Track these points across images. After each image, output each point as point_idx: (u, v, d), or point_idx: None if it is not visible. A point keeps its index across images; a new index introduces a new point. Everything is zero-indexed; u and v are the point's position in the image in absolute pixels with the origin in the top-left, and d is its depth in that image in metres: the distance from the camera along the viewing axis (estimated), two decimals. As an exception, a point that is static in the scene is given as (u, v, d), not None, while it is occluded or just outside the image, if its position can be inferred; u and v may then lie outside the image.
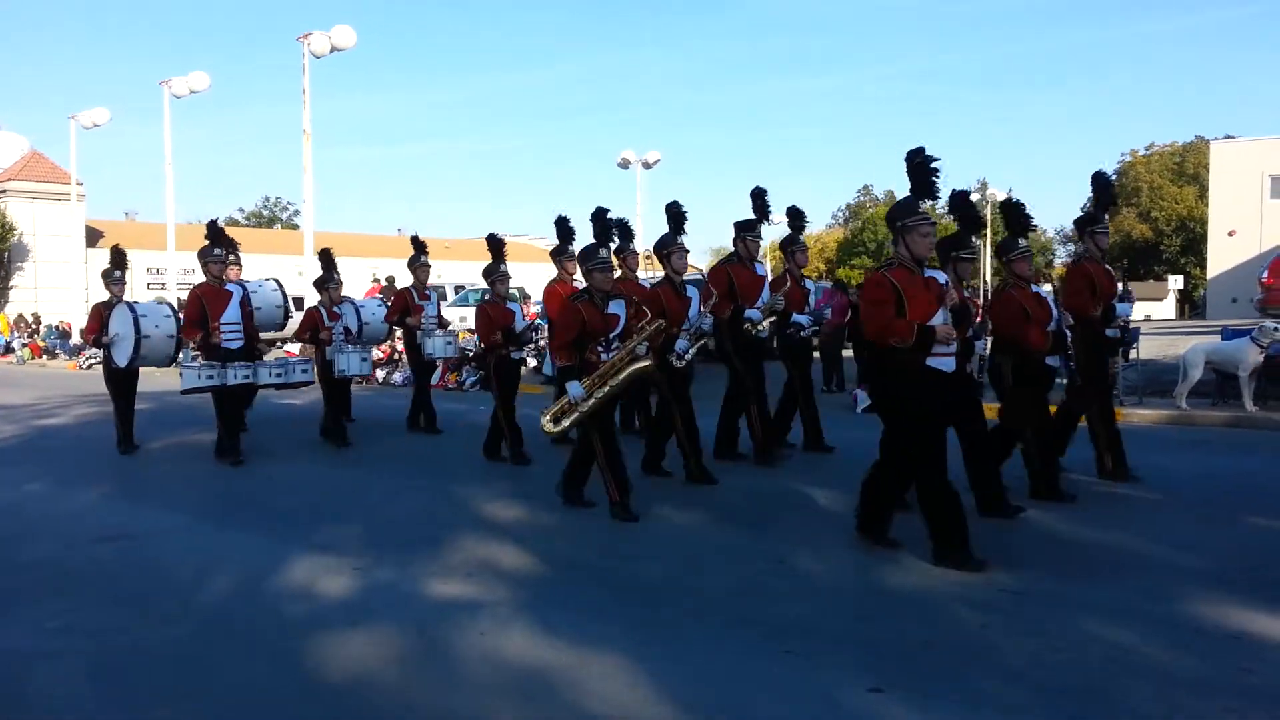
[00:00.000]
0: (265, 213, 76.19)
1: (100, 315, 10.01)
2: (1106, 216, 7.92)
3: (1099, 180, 7.80)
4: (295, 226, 65.56)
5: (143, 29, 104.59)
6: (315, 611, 4.88)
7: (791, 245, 9.00)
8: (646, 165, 36.84)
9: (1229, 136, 39.16)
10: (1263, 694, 3.67)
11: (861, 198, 79.30)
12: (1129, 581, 5.05)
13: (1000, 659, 4.05)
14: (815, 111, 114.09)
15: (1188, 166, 60.02)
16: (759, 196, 8.68)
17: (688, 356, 7.88)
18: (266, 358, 11.07)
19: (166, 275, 32.17)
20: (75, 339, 30.39)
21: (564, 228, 8.79)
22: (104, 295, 10.25)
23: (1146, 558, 5.57)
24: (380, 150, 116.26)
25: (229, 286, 9.27)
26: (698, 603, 4.88)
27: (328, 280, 10.88)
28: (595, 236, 7.17)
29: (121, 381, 10.23)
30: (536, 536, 6.24)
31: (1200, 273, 44.80)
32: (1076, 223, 8.03)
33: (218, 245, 9.28)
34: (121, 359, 9.88)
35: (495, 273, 9.10)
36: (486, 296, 9.60)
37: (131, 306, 9.96)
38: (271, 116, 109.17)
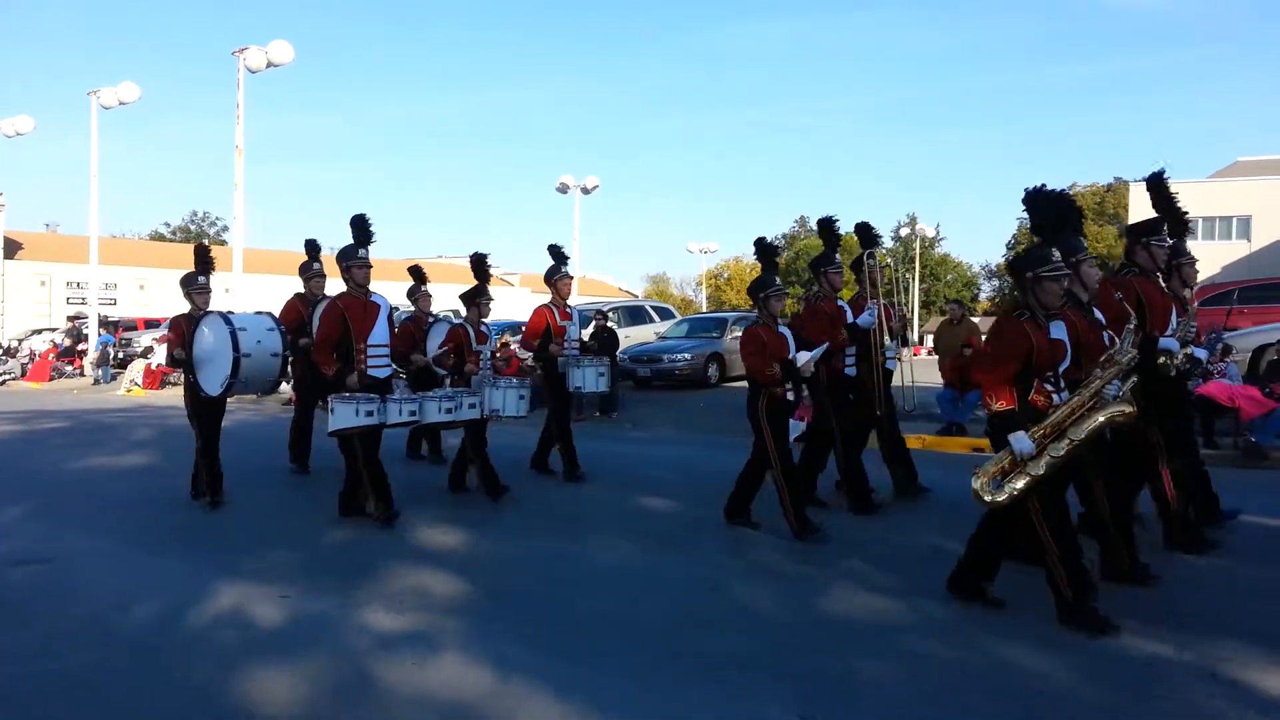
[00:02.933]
0: (193, 228, 74.50)
1: (181, 330, 8.15)
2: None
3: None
4: (223, 242, 64.31)
5: (72, 38, 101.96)
6: (241, 641, 4.77)
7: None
8: (585, 190, 36.97)
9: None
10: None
11: (797, 228, 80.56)
12: (1050, 607, 5.19)
13: (924, 686, 4.14)
14: (753, 143, 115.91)
15: (1108, 207, 62.22)
16: (827, 226, 8.34)
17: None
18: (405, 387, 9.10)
19: (88, 290, 31.17)
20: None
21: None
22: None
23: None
24: (314, 168, 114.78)
25: (374, 297, 7.37)
26: (632, 633, 4.89)
27: (479, 295, 8.79)
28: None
29: (213, 413, 8.19)
30: (473, 565, 6.19)
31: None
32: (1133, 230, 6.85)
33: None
34: (212, 386, 7.92)
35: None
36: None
37: (226, 317, 8.08)
38: (203, 131, 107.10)
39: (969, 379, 13.26)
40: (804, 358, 6.90)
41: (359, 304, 7.26)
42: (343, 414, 7.06)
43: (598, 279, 63.09)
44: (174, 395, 20.98)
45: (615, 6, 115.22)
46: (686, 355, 18.52)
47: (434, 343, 9.26)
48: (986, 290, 73.66)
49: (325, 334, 7.25)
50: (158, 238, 68.25)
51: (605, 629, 4.95)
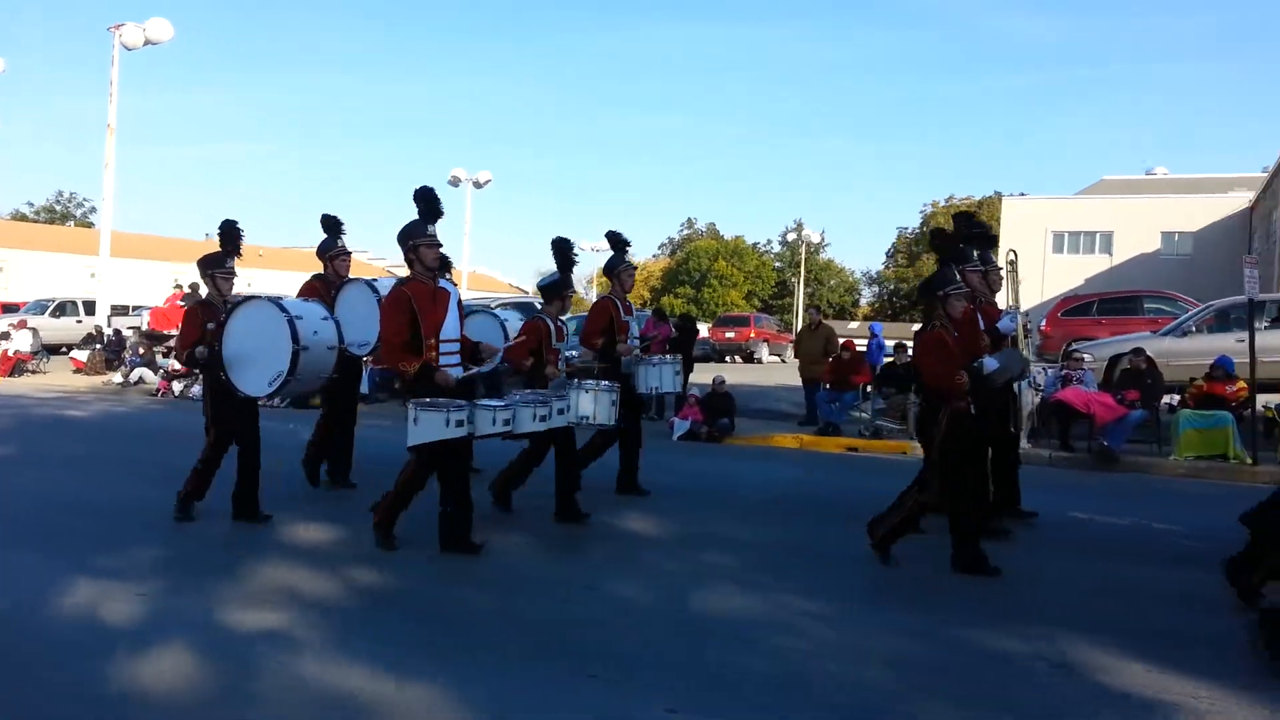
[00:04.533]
0: (58, 208, 70.54)
1: (200, 321, 6.95)
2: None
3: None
4: (90, 224, 61.09)
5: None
6: (95, 640, 4.56)
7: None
8: (478, 185, 36.59)
9: (1021, 194, 42.75)
10: (1022, 709, 4.02)
11: (686, 230, 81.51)
12: (928, 606, 5.42)
13: (800, 681, 4.26)
14: (645, 146, 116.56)
15: (983, 219, 64.99)
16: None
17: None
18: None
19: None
20: None
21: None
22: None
23: (923, 582, 5.98)
24: (191, 150, 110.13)
25: (443, 284, 6.38)
26: (507, 630, 4.88)
27: (565, 286, 7.74)
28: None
29: (248, 416, 7.03)
30: (347, 563, 6.06)
31: (989, 318, 48.26)
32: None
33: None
34: (257, 384, 6.79)
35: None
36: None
37: (281, 304, 7.01)
38: (73, 109, 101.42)
39: (844, 381, 13.73)
40: (991, 365, 6.19)
41: (427, 291, 6.16)
42: (430, 424, 5.92)
43: (487, 274, 62.52)
44: (30, 384, 19.85)
45: (516, 3, 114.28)
46: (574, 352, 18.52)
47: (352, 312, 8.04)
48: (867, 296, 75.95)
49: (396, 327, 6.06)
50: (19, 218, 64.35)
51: (481, 627, 4.92)
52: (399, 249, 6.37)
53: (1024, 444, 12.28)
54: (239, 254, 7.26)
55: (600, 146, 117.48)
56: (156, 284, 35.94)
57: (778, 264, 73.82)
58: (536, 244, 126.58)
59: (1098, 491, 9.84)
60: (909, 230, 69.60)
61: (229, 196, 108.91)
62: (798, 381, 15.03)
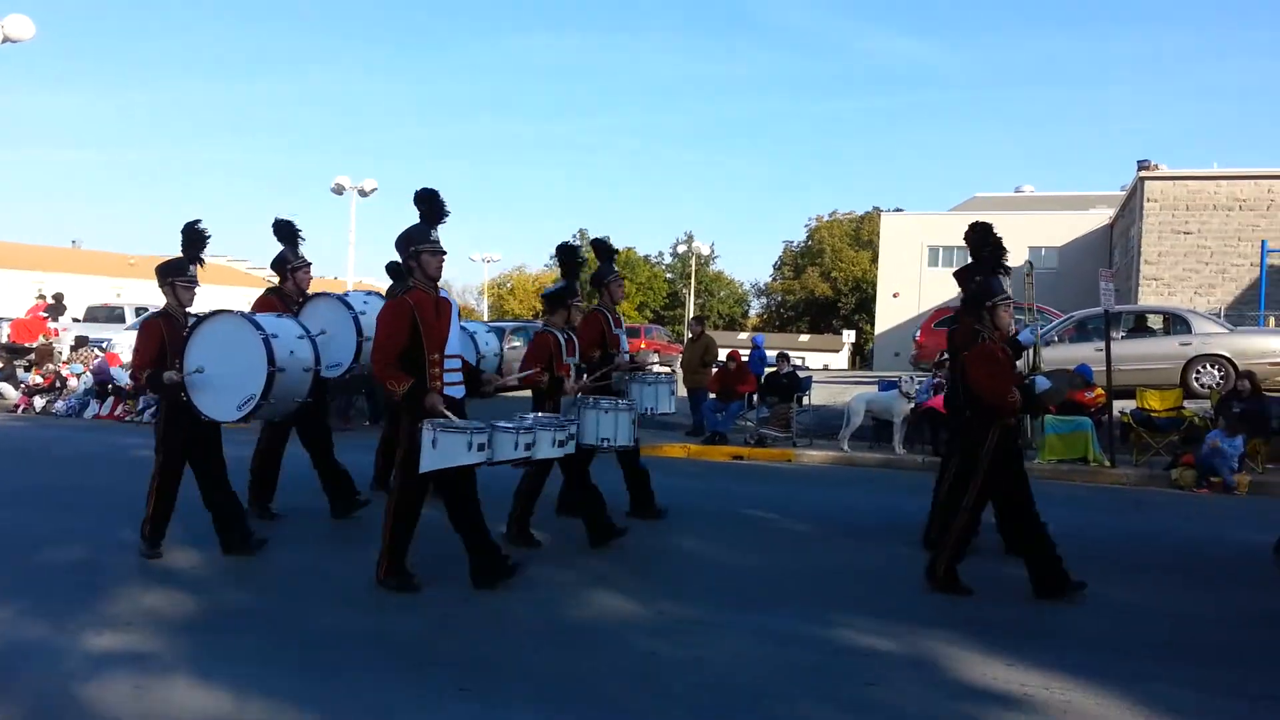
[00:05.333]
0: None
1: (161, 336, 6.25)
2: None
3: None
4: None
5: None
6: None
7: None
8: (363, 193, 35.81)
9: (898, 209, 44.27)
10: (881, 706, 4.17)
11: (577, 240, 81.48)
12: (784, 606, 5.56)
13: (663, 684, 4.32)
14: (533, 154, 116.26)
15: (864, 234, 66.89)
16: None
17: None
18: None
19: None
20: None
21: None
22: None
23: (798, 583, 6.14)
24: (54, 154, 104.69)
25: (444, 294, 5.85)
26: (376, 645, 4.80)
27: (569, 295, 7.10)
28: None
29: (211, 442, 6.42)
30: (207, 583, 5.87)
31: (870, 329, 50.00)
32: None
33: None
34: (225, 408, 6.18)
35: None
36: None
37: (254, 320, 6.39)
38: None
39: (730, 391, 13.96)
40: (1043, 384, 6.00)
41: (430, 301, 5.61)
42: (450, 448, 5.36)
43: (375, 285, 61.20)
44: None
45: (402, 6, 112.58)
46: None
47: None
48: (755, 307, 77.40)
49: (394, 341, 5.47)
50: None
51: (352, 643, 4.82)
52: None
53: (845, 447, 12.76)
54: (202, 261, 6.56)
55: (490, 156, 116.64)
56: (17, 294, 34.08)
57: (669, 275, 74.52)
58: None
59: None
60: (795, 244, 71.24)
61: (94, 201, 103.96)
62: (684, 391, 15.23)
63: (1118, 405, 12.41)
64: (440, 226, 5.74)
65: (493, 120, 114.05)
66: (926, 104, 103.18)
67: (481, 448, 5.45)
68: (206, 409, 6.20)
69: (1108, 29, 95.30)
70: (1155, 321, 15.58)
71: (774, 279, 74.02)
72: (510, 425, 5.75)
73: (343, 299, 7.68)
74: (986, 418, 5.77)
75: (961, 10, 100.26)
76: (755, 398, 14.05)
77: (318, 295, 7.79)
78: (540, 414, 6.46)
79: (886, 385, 13.78)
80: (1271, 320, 21.04)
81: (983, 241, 6.84)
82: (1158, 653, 4.92)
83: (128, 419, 16.05)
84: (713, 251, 73.34)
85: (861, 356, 58.57)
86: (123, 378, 16.87)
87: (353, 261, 37.48)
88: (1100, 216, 38.73)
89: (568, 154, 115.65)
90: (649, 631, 5.05)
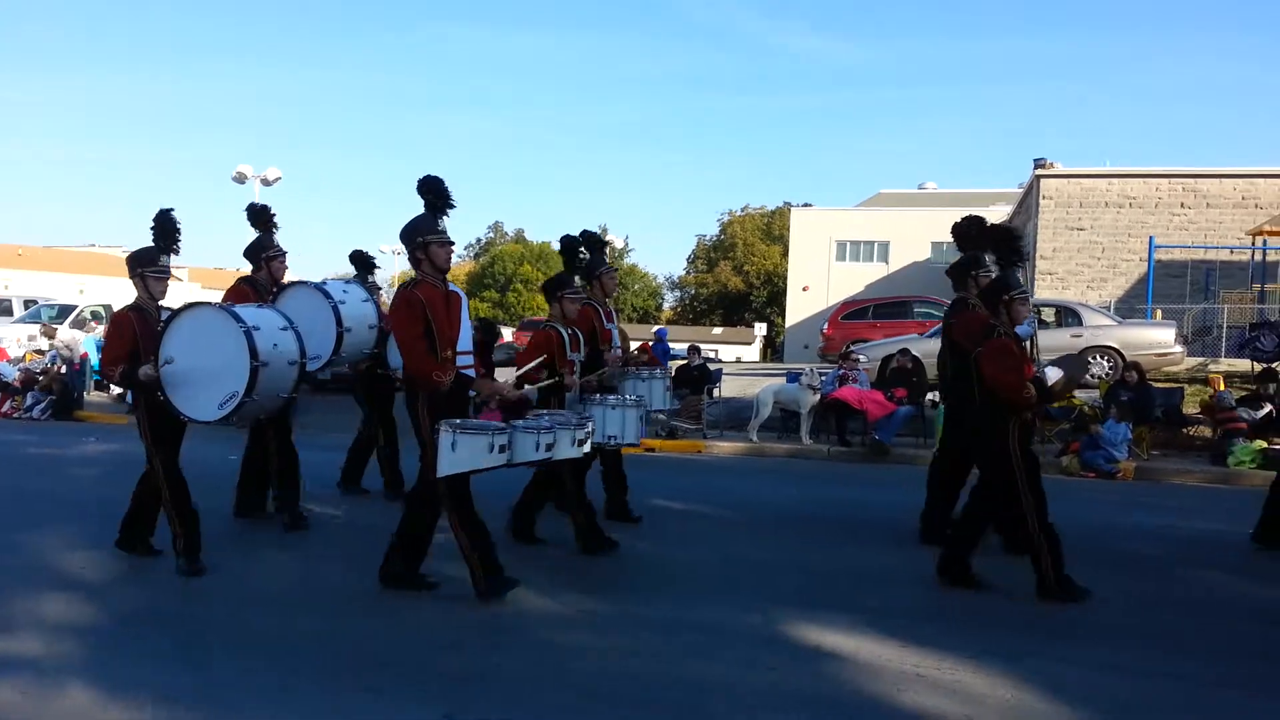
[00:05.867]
0: None
1: (133, 330, 5.91)
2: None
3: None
4: None
5: None
6: None
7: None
8: (266, 182, 34.80)
9: (807, 204, 45.02)
10: (778, 689, 4.29)
11: (491, 234, 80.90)
12: (694, 596, 5.66)
13: (575, 678, 4.36)
14: (447, 146, 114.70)
15: (775, 228, 67.92)
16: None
17: None
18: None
19: None
20: None
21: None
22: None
23: (708, 574, 6.26)
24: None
25: (453, 286, 5.66)
26: (279, 646, 4.73)
27: (561, 286, 6.79)
28: None
29: (174, 441, 6.06)
30: (104, 585, 5.70)
31: (781, 321, 50.80)
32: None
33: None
34: (204, 408, 5.80)
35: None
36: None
37: (234, 312, 5.97)
38: None
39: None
40: (1054, 374, 5.83)
41: (440, 295, 5.38)
42: (471, 449, 5.08)
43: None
44: None
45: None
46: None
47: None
48: (669, 300, 77.86)
49: (416, 332, 5.22)
50: None
51: (252, 644, 4.75)
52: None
53: (754, 438, 13.03)
54: (176, 249, 6.16)
55: (404, 147, 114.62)
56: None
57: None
58: (336, 247, 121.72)
59: (870, 482, 10.55)
60: (708, 237, 71.93)
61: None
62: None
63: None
64: (446, 217, 5.54)
65: (407, 111, 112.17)
66: (837, 101, 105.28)
67: (503, 449, 5.19)
68: (185, 408, 5.80)
69: (1011, 31, 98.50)
70: (1048, 314, 16.21)
71: (688, 272, 74.65)
72: (531, 425, 5.49)
73: (320, 287, 7.40)
74: (1002, 414, 5.68)
75: (871, 10, 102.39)
76: (666, 390, 14.16)
77: (293, 284, 7.48)
78: (556, 412, 6.11)
79: (794, 377, 14.05)
80: (1158, 313, 22.06)
81: (986, 236, 6.83)
82: (1051, 632, 5.15)
83: (15, 416, 15.40)
84: (627, 244, 73.58)
85: (773, 349, 59.44)
86: (11, 373, 16.14)
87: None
88: (999, 214, 39.96)
89: (482, 146, 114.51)
90: (558, 625, 5.07)
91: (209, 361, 5.77)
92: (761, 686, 4.30)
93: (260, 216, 7.46)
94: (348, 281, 7.98)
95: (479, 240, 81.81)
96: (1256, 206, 26.67)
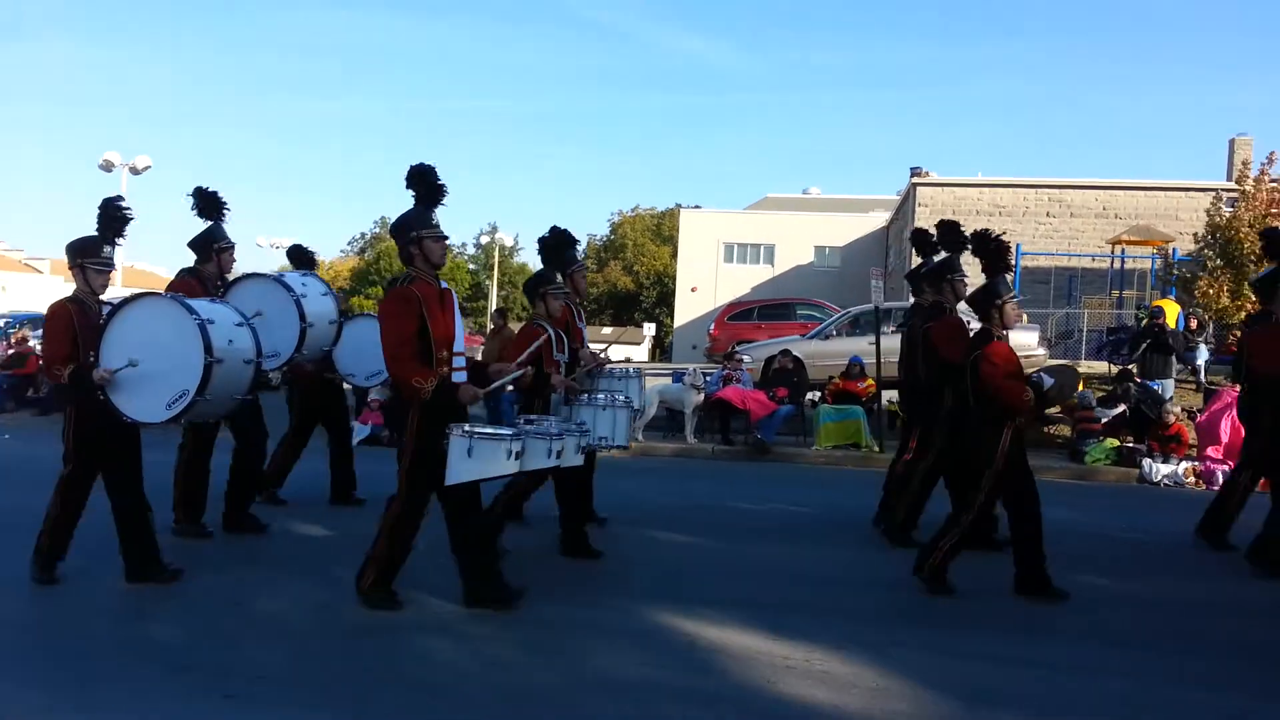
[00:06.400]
0: None
1: (70, 325, 5.42)
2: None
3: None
4: None
5: None
6: None
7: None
8: (135, 171, 33.30)
9: (696, 206, 45.58)
10: (644, 682, 4.33)
11: (377, 229, 79.17)
12: (565, 596, 5.64)
13: (451, 681, 4.29)
14: (331, 135, 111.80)
15: (664, 229, 68.52)
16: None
17: None
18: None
19: None
20: None
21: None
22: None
23: (582, 573, 6.25)
24: None
25: (444, 283, 5.39)
26: (135, 653, 4.53)
27: (543, 283, 6.69)
28: None
29: (125, 448, 5.58)
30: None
31: (670, 322, 51.29)
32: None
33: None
34: (151, 408, 5.31)
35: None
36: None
37: (185, 303, 5.47)
38: None
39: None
40: (1047, 381, 5.83)
41: (435, 293, 5.15)
42: (487, 457, 4.87)
43: (149, 270, 57.06)
44: None
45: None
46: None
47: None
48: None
49: (406, 335, 4.98)
50: None
51: (108, 652, 4.54)
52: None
53: (640, 437, 13.17)
54: (121, 238, 5.75)
55: (283, 135, 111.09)
56: None
57: (472, 266, 73.69)
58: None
59: (752, 480, 10.75)
60: (598, 237, 72.04)
61: None
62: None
63: (886, 395, 13.32)
64: (439, 208, 5.32)
65: (288, 98, 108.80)
66: (727, 105, 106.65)
67: (517, 456, 5.02)
68: (129, 409, 5.30)
69: (894, 39, 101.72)
70: (922, 318, 16.78)
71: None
72: (540, 431, 5.35)
73: (279, 279, 6.95)
74: (998, 418, 5.67)
75: (760, 15, 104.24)
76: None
77: (247, 276, 7.04)
78: (554, 418, 5.92)
79: (679, 376, 14.21)
80: (1024, 317, 23.12)
81: (956, 234, 7.11)
82: (916, 623, 5.36)
83: None
84: (517, 243, 73.10)
85: (661, 349, 59.96)
86: None
87: (125, 244, 34.83)
88: (879, 219, 41.31)
89: (367, 137, 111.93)
90: (436, 630, 4.98)
91: (157, 357, 5.26)
92: (635, 680, 4.33)
93: (209, 202, 6.92)
94: (304, 274, 7.49)
95: (363, 235, 79.98)
96: (1116, 217, 28.23)
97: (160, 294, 5.86)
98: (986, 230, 6.45)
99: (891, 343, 15.01)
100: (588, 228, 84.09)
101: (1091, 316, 22.64)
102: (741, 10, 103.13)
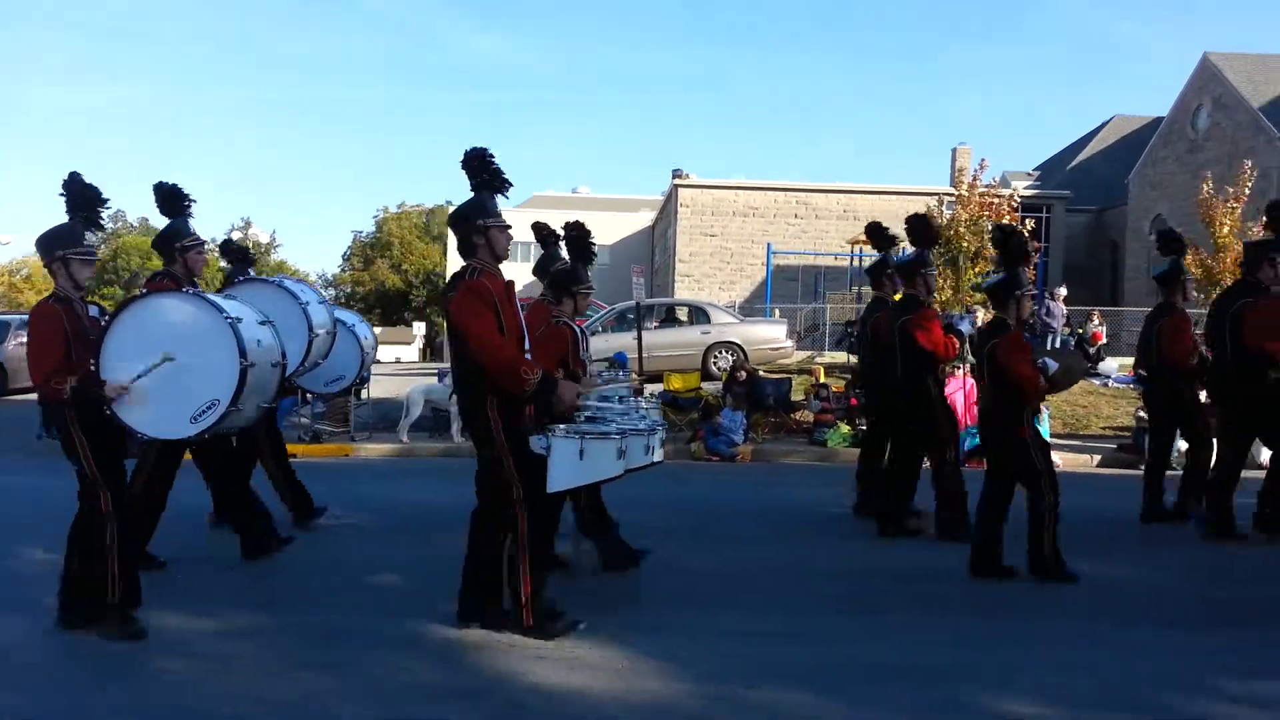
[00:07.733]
0: None
1: (62, 330, 4.55)
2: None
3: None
4: None
5: None
6: None
7: None
8: None
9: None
10: (481, 673, 4.37)
11: (113, 223, 72.86)
12: (338, 603, 5.57)
13: (378, 689, 4.19)
14: (62, 122, 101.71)
15: (434, 227, 67.27)
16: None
17: None
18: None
19: None
20: None
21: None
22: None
23: (356, 579, 6.16)
24: None
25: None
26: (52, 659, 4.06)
27: (575, 281, 6.29)
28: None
29: (116, 459, 4.74)
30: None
31: (441, 321, 50.46)
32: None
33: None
34: (175, 422, 4.66)
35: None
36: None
37: (210, 300, 4.82)
38: None
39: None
40: (1053, 366, 5.95)
41: (503, 286, 4.74)
42: (599, 458, 4.50)
43: None
44: None
45: None
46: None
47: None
48: (328, 295, 74.46)
49: (492, 327, 4.56)
50: None
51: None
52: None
53: (404, 438, 13.07)
54: (100, 225, 5.00)
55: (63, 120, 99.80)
56: None
57: (223, 264, 69.34)
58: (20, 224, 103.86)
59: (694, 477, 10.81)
60: (364, 234, 69.69)
61: None
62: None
63: (649, 388, 13.83)
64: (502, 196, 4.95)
65: (7, 82, 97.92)
66: (497, 101, 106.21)
67: (622, 454, 4.65)
68: (144, 426, 4.66)
69: (653, 42, 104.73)
70: (682, 313, 17.55)
71: (343, 270, 71.84)
72: (639, 428, 4.95)
73: (280, 284, 6.52)
74: (1017, 405, 5.92)
75: (539, 12, 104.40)
76: (308, 393, 13.65)
77: (247, 280, 6.66)
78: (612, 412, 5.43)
79: (445, 375, 14.10)
80: (776, 312, 24.58)
81: (926, 229, 7.50)
82: (661, 605, 5.65)
83: None
84: (273, 240, 69.44)
85: (432, 349, 58.95)
86: None
87: None
88: (645, 219, 42.57)
89: (102, 122, 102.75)
90: (361, 637, 4.81)
91: (179, 363, 4.64)
92: (397, 685, 4.33)
93: (171, 199, 6.26)
94: (298, 280, 7.14)
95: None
96: (855, 219, 30.51)
97: (176, 291, 5.17)
98: (1008, 225, 6.76)
99: (653, 338, 15.67)
100: (352, 224, 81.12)
101: (834, 311, 24.43)
102: (519, 9, 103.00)
